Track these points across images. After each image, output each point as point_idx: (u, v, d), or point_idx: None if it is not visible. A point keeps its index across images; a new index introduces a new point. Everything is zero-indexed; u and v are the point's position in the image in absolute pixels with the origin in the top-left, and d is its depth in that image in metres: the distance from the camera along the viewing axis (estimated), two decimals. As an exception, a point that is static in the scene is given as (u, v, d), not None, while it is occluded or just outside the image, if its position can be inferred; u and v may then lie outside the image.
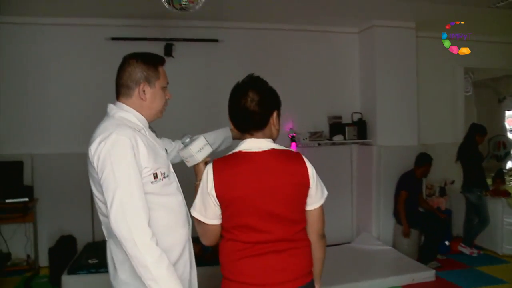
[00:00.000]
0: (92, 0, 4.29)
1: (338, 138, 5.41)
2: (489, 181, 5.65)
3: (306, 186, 1.67)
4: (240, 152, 1.68)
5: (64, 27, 4.85)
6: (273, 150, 1.68)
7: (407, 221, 4.87)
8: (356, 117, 5.54)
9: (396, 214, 5.15)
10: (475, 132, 5.20)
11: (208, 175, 1.65)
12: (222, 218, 1.69)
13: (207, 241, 1.77)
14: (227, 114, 1.75)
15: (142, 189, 1.64)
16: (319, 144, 5.51)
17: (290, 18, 5.19)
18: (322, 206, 1.76)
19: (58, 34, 4.86)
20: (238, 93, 1.69)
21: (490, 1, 4.54)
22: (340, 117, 5.51)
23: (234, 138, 2.28)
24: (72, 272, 3.76)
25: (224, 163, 1.67)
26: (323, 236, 1.80)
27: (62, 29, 4.85)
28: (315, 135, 5.40)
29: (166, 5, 2.84)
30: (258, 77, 1.73)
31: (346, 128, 5.42)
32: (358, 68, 5.71)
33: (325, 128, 5.52)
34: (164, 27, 4.98)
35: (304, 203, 1.71)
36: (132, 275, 1.67)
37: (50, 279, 4.29)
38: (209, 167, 1.67)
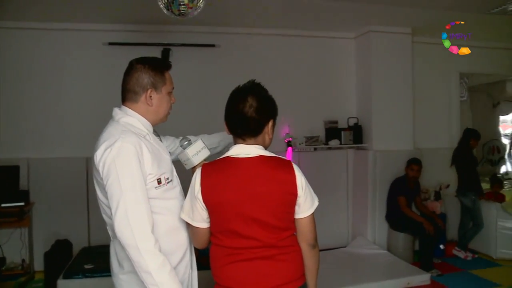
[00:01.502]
0: (90, 5, 4.29)
1: (334, 142, 5.42)
2: (484, 185, 5.67)
3: (294, 194, 1.64)
4: (228, 157, 1.69)
5: (61, 32, 4.85)
6: (261, 156, 1.67)
7: (413, 220, 4.86)
8: (352, 122, 5.56)
9: (388, 218, 5.17)
10: (469, 137, 5.24)
11: (196, 179, 1.67)
12: (210, 222, 1.70)
13: (197, 244, 1.79)
14: (224, 119, 1.74)
15: (146, 196, 1.65)
16: (315, 149, 5.52)
17: (286, 24, 5.21)
18: (312, 216, 1.72)
19: (56, 39, 4.86)
20: (237, 97, 1.68)
21: (484, 7, 4.57)
22: (336, 122, 5.54)
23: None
24: (67, 276, 3.74)
25: (212, 167, 1.68)
26: (314, 246, 1.75)
27: (59, 34, 4.85)
28: (311, 140, 5.41)
29: (165, 11, 2.85)
30: (259, 84, 1.72)
31: (342, 132, 5.43)
32: (354, 73, 5.73)
33: (321, 133, 5.53)
34: (161, 32, 4.99)
35: (291, 211, 1.68)
36: (135, 273, 1.67)
37: (45, 283, 4.27)
38: (198, 171, 1.69)
